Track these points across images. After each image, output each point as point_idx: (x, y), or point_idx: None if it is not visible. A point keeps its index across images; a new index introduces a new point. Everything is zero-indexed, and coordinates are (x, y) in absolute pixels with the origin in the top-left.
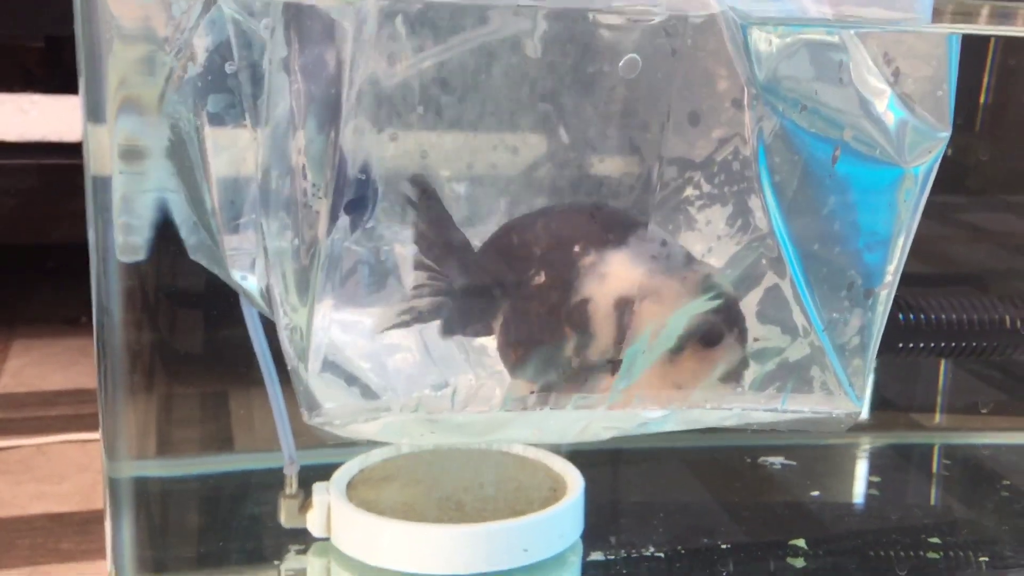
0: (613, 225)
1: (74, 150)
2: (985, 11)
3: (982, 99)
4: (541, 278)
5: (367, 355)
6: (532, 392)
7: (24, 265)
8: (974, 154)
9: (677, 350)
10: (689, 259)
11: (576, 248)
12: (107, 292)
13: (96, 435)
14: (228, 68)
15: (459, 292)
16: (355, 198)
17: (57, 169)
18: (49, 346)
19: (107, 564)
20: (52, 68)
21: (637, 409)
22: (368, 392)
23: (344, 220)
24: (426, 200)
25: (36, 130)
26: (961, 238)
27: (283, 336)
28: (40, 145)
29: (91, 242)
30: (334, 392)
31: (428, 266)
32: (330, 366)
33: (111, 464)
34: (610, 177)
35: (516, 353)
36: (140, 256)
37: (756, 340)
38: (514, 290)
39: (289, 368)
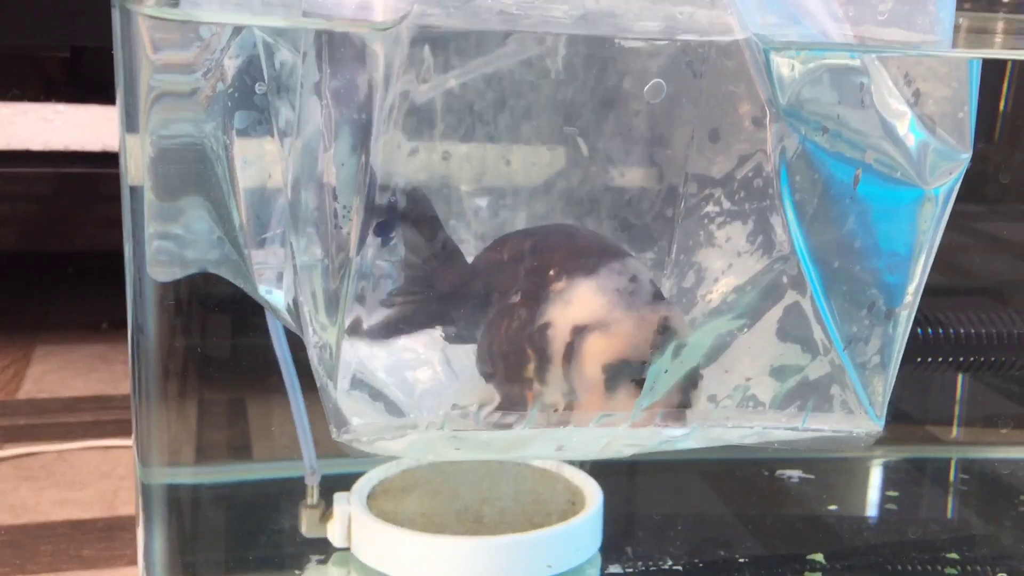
0: (591, 251)
1: (96, 159)
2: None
3: (1001, 107)
4: (517, 296)
5: (392, 371)
6: (492, 405)
7: (46, 272)
8: (992, 163)
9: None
10: (656, 298)
11: (551, 272)
12: (142, 300)
13: (118, 442)
14: (258, 88)
15: (444, 299)
16: (384, 219)
17: (79, 177)
18: (70, 352)
19: (138, 570)
20: (76, 78)
21: (659, 427)
22: (394, 409)
23: (374, 240)
24: (417, 207)
25: (59, 139)
26: (979, 248)
27: (312, 354)
28: (63, 154)
29: (127, 251)
30: (362, 409)
31: (416, 272)
32: (358, 384)
33: (144, 470)
34: (632, 193)
35: (489, 365)
36: (176, 275)
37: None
38: (495, 303)
39: (318, 385)
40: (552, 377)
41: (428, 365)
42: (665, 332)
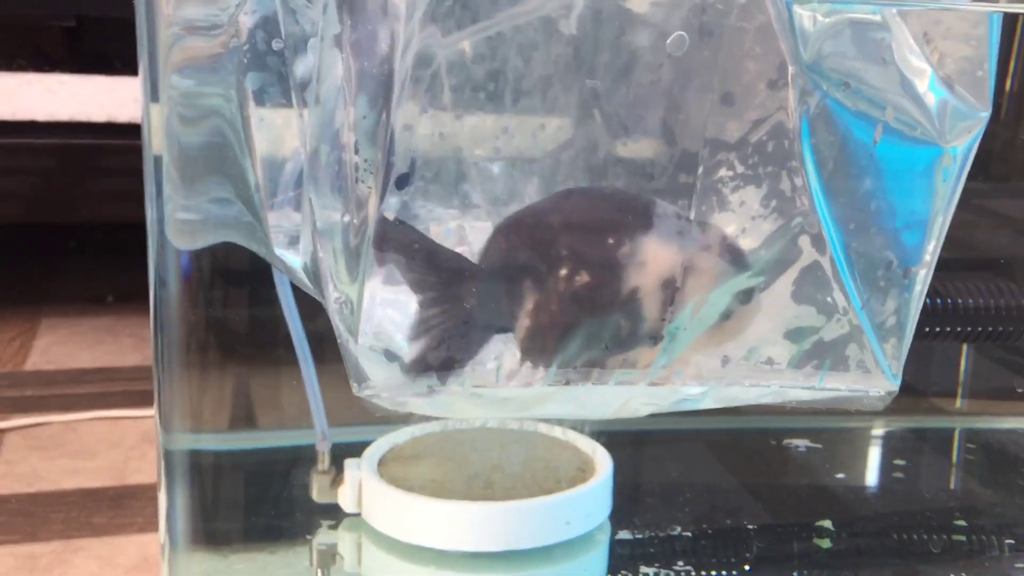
0: (627, 208)
1: (100, 130)
2: None
3: (1008, 85)
4: (578, 273)
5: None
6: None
7: (51, 244)
8: (998, 140)
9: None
10: (700, 226)
11: (609, 240)
12: (164, 267)
13: (126, 412)
14: (275, 45)
15: (481, 305)
16: (405, 173)
17: (83, 149)
18: (75, 325)
19: (159, 534)
20: (80, 49)
21: (677, 385)
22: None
23: (395, 196)
24: (400, 237)
25: (64, 110)
26: (984, 225)
27: (332, 310)
28: (67, 125)
29: (149, 218)
30: (382, 365)
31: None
32: (380, 340)
33: (166, 436)
34: (649, 158)
35: (551, 342)
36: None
37: (796, 318)
38: (538, 286)
39: (339, 342)
40: (650, 334)
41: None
42: (732, 250)
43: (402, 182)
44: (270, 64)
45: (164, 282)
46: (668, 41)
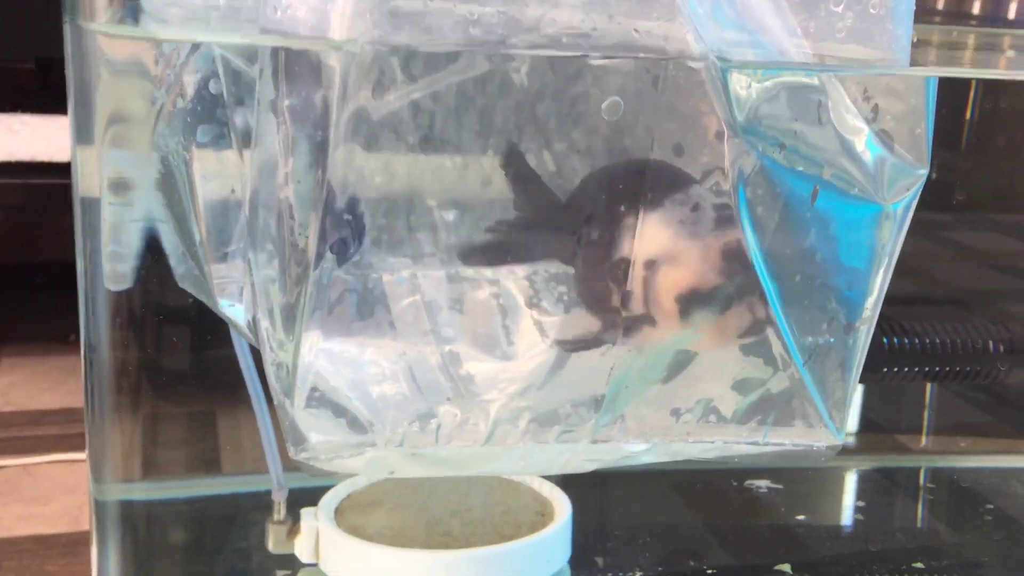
0: (657, 184)
1: (63, 170)
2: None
3: (968, 114)
4: (597, 232)
5: (354, 385)
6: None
7: (14, 283)
8: (959, 173)
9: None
10: (719, 224)
11: (621, 207)
12: (95, 313)
13: (84, 455)
14: (213, 87)
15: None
16: (341, 237)
17: (47, 188)
18: (38, 364)
19: None
20: (43, 89)
21: (620, 442)
22: (355, 424)
23: (331, 257)
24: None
25: (26, 150)
26: (945, 256)
27: (269, 371)
28: (30, 165)
29: (79, 264)
30: (321, 425)
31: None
32: (317, 400)
33: (97, 487)
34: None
35: (580, 294)
36: (127, 284)
37: (742, 369)
38: (582, 237)
39: (275, 403)
40: (635, 307)
41: (392, 379)
42: (730, 257)
43: (337, 246)
44: (215, 118)
45: (94, 327)
46: (604, 105)
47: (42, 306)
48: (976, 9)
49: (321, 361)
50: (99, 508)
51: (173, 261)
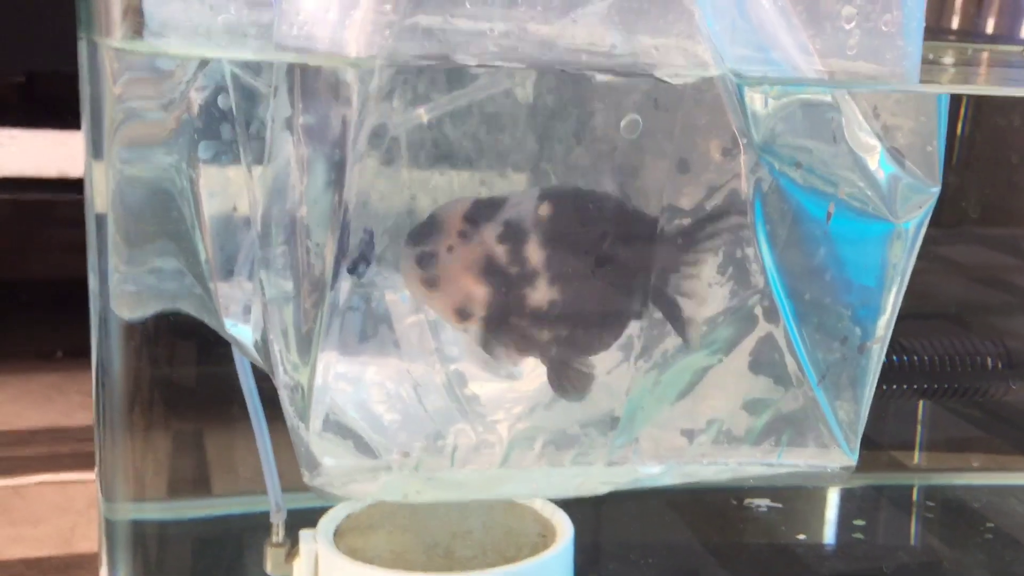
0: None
1: (50, 185)
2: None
3: (959, 130)
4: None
5: (367, 409)
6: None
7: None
8: (950, 187)
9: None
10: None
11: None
12: (106, 331)
13: (75, 475)
14: (221, 103)
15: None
16: (358, 257)
17: (34, 204)
18: (24, 382)
19: None
20: (31, 103)
21: (635, 464)
22: (366, 449)
23: (348, 278)
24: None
25: (13, 165)
26: (936, 271)
27: (283, 395)
28: (17, 180)
29: (91, 282)
30: (335, 449)
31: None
32: (331, 425)
33: (108, 506)
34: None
35: None
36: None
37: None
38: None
39: (289, 427)
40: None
41: (400, 401)
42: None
43: (354, 267)
44: (222, 137)
45: (106, 345)
46: (622, 123)
47: (28, 323)
48: (989, 28)
49: (339, 384)
50: (109, 527)
51: (169, 281)
